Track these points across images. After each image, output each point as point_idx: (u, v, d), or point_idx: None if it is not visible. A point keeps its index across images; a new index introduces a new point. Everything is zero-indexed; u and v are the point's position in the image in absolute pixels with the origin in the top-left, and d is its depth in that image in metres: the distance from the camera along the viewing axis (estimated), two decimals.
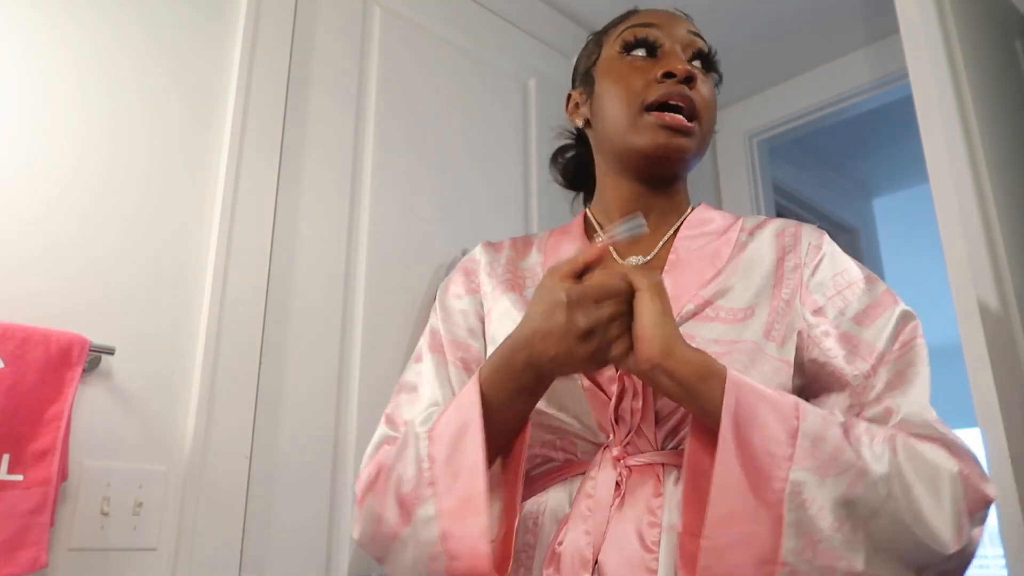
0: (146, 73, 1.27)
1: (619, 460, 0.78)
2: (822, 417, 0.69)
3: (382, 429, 0.91)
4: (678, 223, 0.94)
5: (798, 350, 0.81)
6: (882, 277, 3.20)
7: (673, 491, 0.75)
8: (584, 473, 0.80)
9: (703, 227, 0.93)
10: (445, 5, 1.79)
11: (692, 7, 2.00)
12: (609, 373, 0.80)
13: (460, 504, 0.71)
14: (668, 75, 0.86)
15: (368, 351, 1.44)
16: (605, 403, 0.79)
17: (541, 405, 0.80)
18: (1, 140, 1.10)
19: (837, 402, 0.79)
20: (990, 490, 0.70)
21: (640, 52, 0.90)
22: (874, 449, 0.68)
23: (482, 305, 0.95)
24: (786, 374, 0.79)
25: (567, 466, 0.83)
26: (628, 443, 0.78)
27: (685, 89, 0.86)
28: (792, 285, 0.84)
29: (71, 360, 1.03)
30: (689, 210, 0.97)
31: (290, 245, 1.38)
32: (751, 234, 0.91)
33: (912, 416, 0.74)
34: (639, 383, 0.78)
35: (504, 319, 0.89)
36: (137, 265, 1.19)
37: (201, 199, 1.29)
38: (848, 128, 2.62)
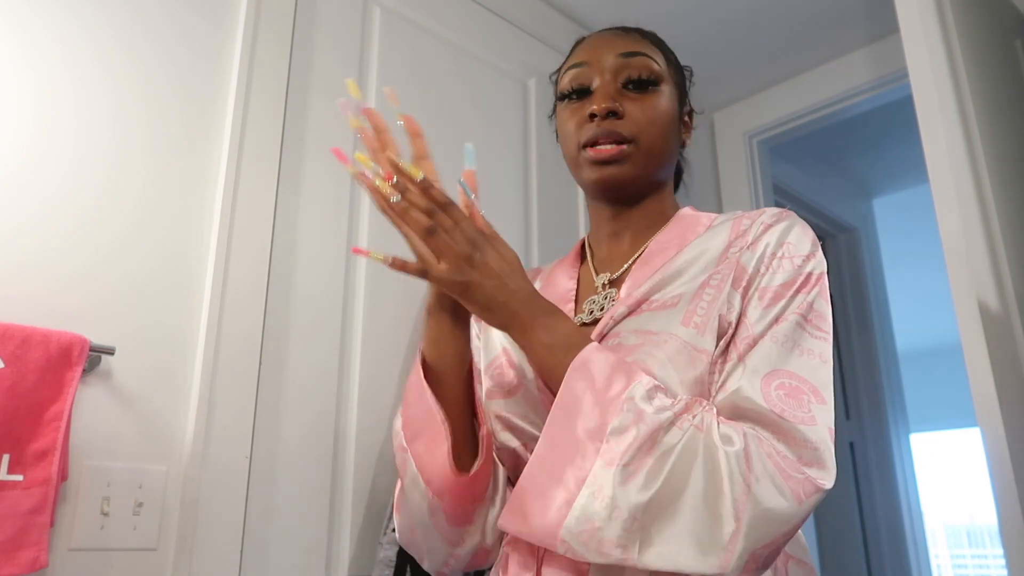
0: (145, 73, 1.27)
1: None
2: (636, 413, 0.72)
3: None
4: (654, 236, 0.95)
5: (722, 332, 0.80)
6: (882, 277, 3.20)
7: None
8: None
9: (675, 229, 0.93)
10: (445, 5, 1.79)
11: (692, 8, 2.01)
12: None
13: (428, 445, 0.83)
14: (592, 115, 0.92)
15: (368, 352, 1.44)
16: None
17: (510, 416, 0.87)
18: (6, 141, 1.10)
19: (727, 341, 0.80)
20: (814, 474, 0.71)
21: (574, 97, 0.96)
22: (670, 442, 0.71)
23: (479, 334, 1.02)
24: (703, 362, 0.78)
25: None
26: None
27: (609, 124, 0.91)
28: (726, 268, 0.83)
29: (71, 360, 1.03)
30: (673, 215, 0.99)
31: (290, 245, 1.38)
32: (712, 227, 0.91)
33: (744, 394, 0.74)
34: None
35: (492, 336, 0.99)
36: (137, 265, 1.19)
37: (201, 199, 1.29)
38: (848, 128, 2.62)
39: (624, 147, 0.90)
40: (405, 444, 0.86)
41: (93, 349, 1.07)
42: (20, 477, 0.96)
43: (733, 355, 0.77)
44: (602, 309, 0.90)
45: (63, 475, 1.02)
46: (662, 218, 0.97)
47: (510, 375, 0.90)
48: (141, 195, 1.22)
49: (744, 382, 0.74)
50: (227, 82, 1.36)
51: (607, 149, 0.90)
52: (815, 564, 0.84)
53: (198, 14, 1.36)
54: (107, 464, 1.10)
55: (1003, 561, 1.19)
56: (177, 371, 1.20)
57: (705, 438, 0.70)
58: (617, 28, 1.00)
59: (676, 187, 1.05)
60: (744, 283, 0.81)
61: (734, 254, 0.84)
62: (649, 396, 0.72)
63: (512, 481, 0.91)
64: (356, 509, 1.35)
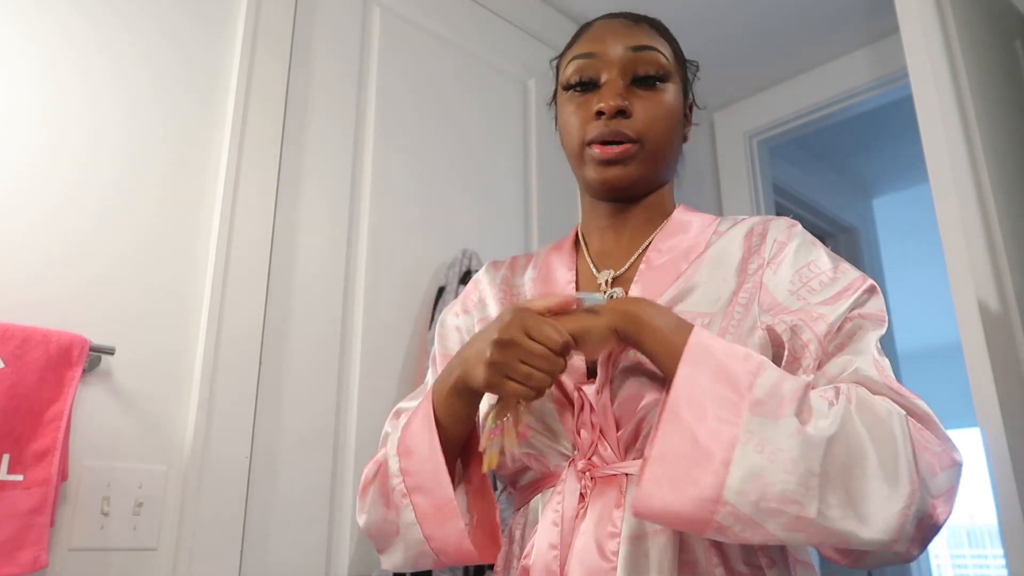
0: (149, 71, 1.27)
1: (584, 472, 0.79)
2: (780, 373, 0.71)
3: (387, 424, 0.97)
4: (654, 233, 0.95)
5: (768, 346, 0.80)
6: (882, 277, 3.19)
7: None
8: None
9: (677, 232, 0.93)
10: (445, 5, 1.79)
11: (692, 8, 2.01)
12: (572, 385, 0.81)
13: (435, 511, 0.80)
14: (600, 112, 0.90)
15: (368, 352, 1.44)
16: (579, 412, 0.81)
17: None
18: (13, 144, 1.10)
19: (797, 341, 0.79)
20: (949, 452, 0.71)
21: (579, 89, 0.94)
22: (828, 400, 0.70)
23: (475, 325, 0.99)
24: None
25: (544, 478, 0.85)
26: (593, 454, 0.79)
27: (616, 124, 0.89)
28: (751, 288, 0.83)
29: (71, 360, 1.03)
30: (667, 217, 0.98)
31: (290, 245, 1.38)
32: (721, 234, 0.91)
33: (865, 372, 0.74)
34: (595, 396, 0.79)
35: None
36: (137, 266, 1.19)
37: (200, 200, 1.29)
38: (848, 128, 2.62)
39: (630, 147, 0.89)
40: (405, 490, 0.83)
41: (93, 349, 1.07)
42: (20, 477, 0.96)
43: (813, 350, 0.77)
44: None
45: (63, 475, 1.02)
46: (662, 214, 0.96)
47: None
48: (143, 197, 1.22)
49: (859, 362, 0.74)
50: (227, 81, 1.36)
51: (613, 149, 0.88)
52: (815, 565, 0.84)
53: (198, 14, 1.36)
54: (107, 464, 1.10)
55: (1003, 561, 1.19)
56: (177, 371, 1.20)
57: (861, 396, 0.70)
58: (626, 16, 0.96)
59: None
60: (779, 309, 0.81)
61: (754, 271, 0.85)
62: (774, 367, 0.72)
63: (502, 486, 0.90)
64: (356, 509, 1.35)
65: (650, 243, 0.93)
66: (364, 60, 1.60)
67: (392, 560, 0.87)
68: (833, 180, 3.03)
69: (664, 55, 0.93)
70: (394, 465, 0.85)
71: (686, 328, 0.74)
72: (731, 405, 0.67)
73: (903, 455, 0.67)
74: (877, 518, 0.64)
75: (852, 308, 0.79)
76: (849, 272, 0.84)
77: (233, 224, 1.29)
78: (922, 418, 0.72)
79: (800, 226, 0.89)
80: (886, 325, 0.81)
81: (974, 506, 6.03)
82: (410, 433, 0.85)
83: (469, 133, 1.76)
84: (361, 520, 0.91)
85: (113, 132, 1.21)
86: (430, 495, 0.81)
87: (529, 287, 0.98)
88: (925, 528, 0.67)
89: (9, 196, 1.09)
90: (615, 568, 0.72)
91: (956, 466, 0.71)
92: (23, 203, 1.10)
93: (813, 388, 0.72)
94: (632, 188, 0.92)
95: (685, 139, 0.99)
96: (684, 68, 0.99)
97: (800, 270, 0.84)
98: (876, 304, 0.81)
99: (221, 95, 1.35)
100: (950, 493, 0.70)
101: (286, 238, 1.38)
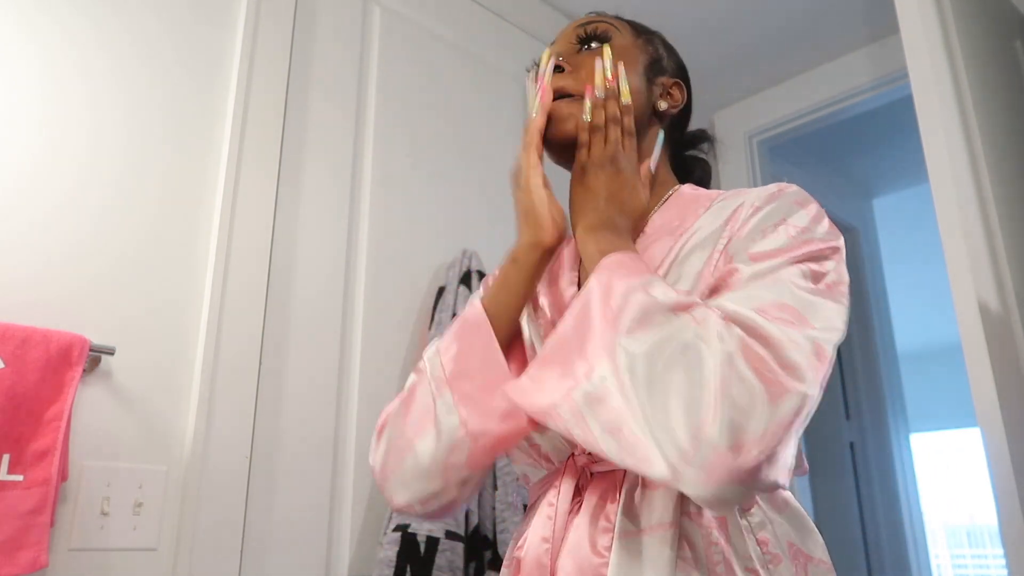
0: (145, 71, 1.27)
1: (584, 468, 0.79)
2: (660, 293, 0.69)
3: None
4: (654, 210, 0.91)
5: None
6: (882, 277, 3.19)
7: (629, 496, 0.75)
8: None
9: (673, 207, 0.90)
10: (445, 5, 1.79)
11: (692, 8, 2.01)
12: None
13: (479, 390, 0.79)
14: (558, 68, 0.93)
15: (368, 352, 1.44)
16: None
17: (549, 450, 0.83)
18: (13, 144, 1.10)
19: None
20: (792, 381, 0.63)
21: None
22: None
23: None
24: None
25: (552, 475, 0.84)
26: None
27: (559, 78, 0.92)
28: (717, 261, 0.79)
29: (71, 360, 1.03)
30: (671, 192, 0.94)
31: (290, 245, 1.38)
32: (711, 208, 0.86)
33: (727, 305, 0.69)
34: None
35: None
36: (137, 266, 1.19)
37: (200, 200, 1.29)
38: (848, 128, 2.62)
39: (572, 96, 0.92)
40: (444, 376, 0.81)
41: (93, 349, 1.07)
42: (20, 477, 0.96)
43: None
44: None
45: (63, 475, 1.02)
46: (659, 193, 0.93)
47: None
48: (142, 196, 1.22)
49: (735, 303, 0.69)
50: (227, 82, 1.36)
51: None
52: (829, 563, 0.81)
53: (198, 14, 1.35)
54: (107, 464, 1.10)
55: (1003, 561, 1.19)
56: (177, 371, 1.20)
57: (698, 329, 0.66)
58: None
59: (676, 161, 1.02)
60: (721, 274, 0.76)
61: (725, 243, 0.79)
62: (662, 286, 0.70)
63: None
64: (356, 509, 1.35)
65: (650, 220, 0.90)
66: (364, 60, 1.60)
67: (408, 476, 0.82)
68: (833, 180, 3.03)
69: (611, 24, 0.94)
70: (435, 360, 0.83)
71: (618, 248, 0.76)
72: (612, 325, 0.68)
73: (700, 386, 0.61)
74: (660, 447, 0.61)
75: (776, 268, 0.72)
76: (813, 233, 0.77)
77: (233, 224, 1.29)
78: (774, 345, 0.64)
79: (793, 188, 0.83)
80: (843, 284, 0.74)
81: (974, 506, 6.03)
82: (458, 328, 0.84)
83: (469, 133, 1.76)
84: (375, 459, 0.86)
85: (113, 132, 1.21)
86: (476, 378, 0.80)
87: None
88: (719, 471, 0.59)
89: (9, 196, 1.09)
90: (606, 564, 0.72)
91: (793, 396, 0.62)
92: (23, 203, 1.10)
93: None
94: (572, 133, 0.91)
95: (657, 109, 0.96)
96: (648, 41, 0.98)
97: (764, 226, 0.77)
98: (832, 267, 0.75)
99: (221, 95, 1.35)
100: (775, 430, 0.61)
101: (286, 238, 1.38)
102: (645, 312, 0.68)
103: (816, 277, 0.74)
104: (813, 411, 0.66)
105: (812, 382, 0.64)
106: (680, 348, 0.65)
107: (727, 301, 0.70)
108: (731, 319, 0.67)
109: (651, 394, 0.63)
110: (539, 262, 0.84)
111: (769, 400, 0.61)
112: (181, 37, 1.32)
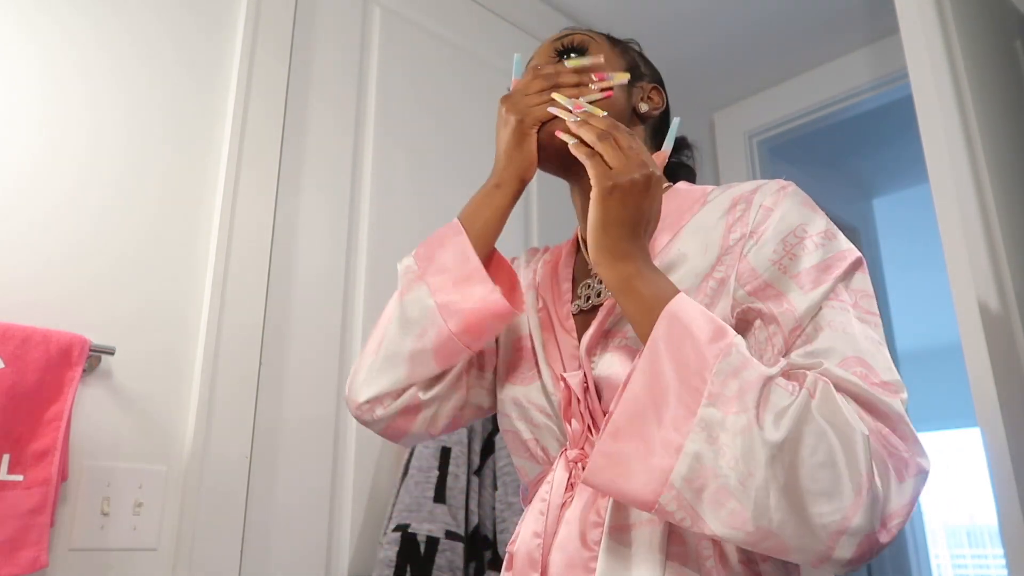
0: (144, 71, 1.27)
1: (576, 463, 0.79)
2: (744, 358, 0.67)
3: None
4: None
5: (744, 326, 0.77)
6: (882, 277, 3.20)
7: None
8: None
9: (669, 204, 0.89)
10: (445, 5, 1.79)
11: (692, 8, 2.01)
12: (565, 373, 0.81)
13: (456, 281, 0.83)
14: None
15: None
16: (568, 402, 0.80)
17: (529, 406, 0.85)
18: (13, 144, 1.10)
19: (762, 333, 0.75)
20: (916, 457, 0.66)
21: None
22: (789, 391, 0.66)
23: None
24: None
25: (546, 470, 0.84)
26: (585, 443, 0.79)
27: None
28: (729, 261, 0.79)
29: (71, 360, 1.03)
30: (665, 187, 0.94)
31: (290, 245, 1.38)
32: (707, 203, 0.87)
33: (833, 372, 0.69)
34: (582, 385, 0.79)
35: (520, 318, 0.97)
36: (137, 266, 1.19)
37: (200, 200, 1.29)
38: (848, 128, 2.62)
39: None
40: (417, 271, 0.86)
41: (93, 349, 1.07)
42: (20, 477, 0.96)
43: (777, 344, 0.73)
44: (599, 295, 0.88)
45: (63, 475, 1.02)
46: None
47: (530, 362, 0.89)
48: (142, 196, 1.22)
49: (827, 361, 0.69)
50: (227, 82, 1.37)
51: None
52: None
53: (199, 14, 1.36)
54: (107, 464, 1.10)
55: (1003, 561, 1.19)
56: (177, 371, 1.20)
57: (825, 393, 0.66)
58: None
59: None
60: (758, 284, 0.76)
61: (735, 241, 0.79)
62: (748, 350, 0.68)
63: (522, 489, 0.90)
64: (356, 509, 1.35)
65: None
66: (364, 60, 1.60)
67: (367, 366, 0.86)
68: (833, 180, 3.03)
69: (587, 35, 0.96)
70: (407, 261, 0.88)
71: (666, 294, 0.71)
72: (692, 391, 0.66)
73: (854, 467, 0.63)
74: (812, 533, 0.62)
75: (828, 294, 0.74)
76: (838, 242, 0.79)
77: (233, 224, 1.29)
78: (889, 419, 0.67)
79: (793, 187, 0.83)
80: (872, 299, 0.77)
81: (974, 506, 6.03)
82: (431, 239, 0.89)
83: (469, 132, 1.76)
84: (360, 390, 0.87)
85: (113, 132, 1.21)
86: (449, 272, 0.84)
87: (526, 278, 0.99)
88: (865, 547, 0.63)
89: (9, 196, 1.09)
90: (595, 557, 0.72)
91: (922, 475, 0.66)
92: (23, 203, 1.10)
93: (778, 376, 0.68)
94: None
95: (638, 111, 0.96)
96: (624, 51, 0.98)
97: (786, 237, 0.78)
98: (860, 281, 0.77)
99: (221, 95, 1.35)
100: (909, 505, 0.65)
101: (286, 238, 1.38)
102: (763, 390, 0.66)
103: (856, 301, 0.77)
104: None
105: (926, 454, 0.69)
106: (817, 434, 0.64)
107: (824, 359, 0.70)
108: (842, 389, 0.68)
109: (794, 481, 0.64)
110: (516, 193, 0.91)
111: (898, 479, 0.65)
112: (181, 37, 1.32)
